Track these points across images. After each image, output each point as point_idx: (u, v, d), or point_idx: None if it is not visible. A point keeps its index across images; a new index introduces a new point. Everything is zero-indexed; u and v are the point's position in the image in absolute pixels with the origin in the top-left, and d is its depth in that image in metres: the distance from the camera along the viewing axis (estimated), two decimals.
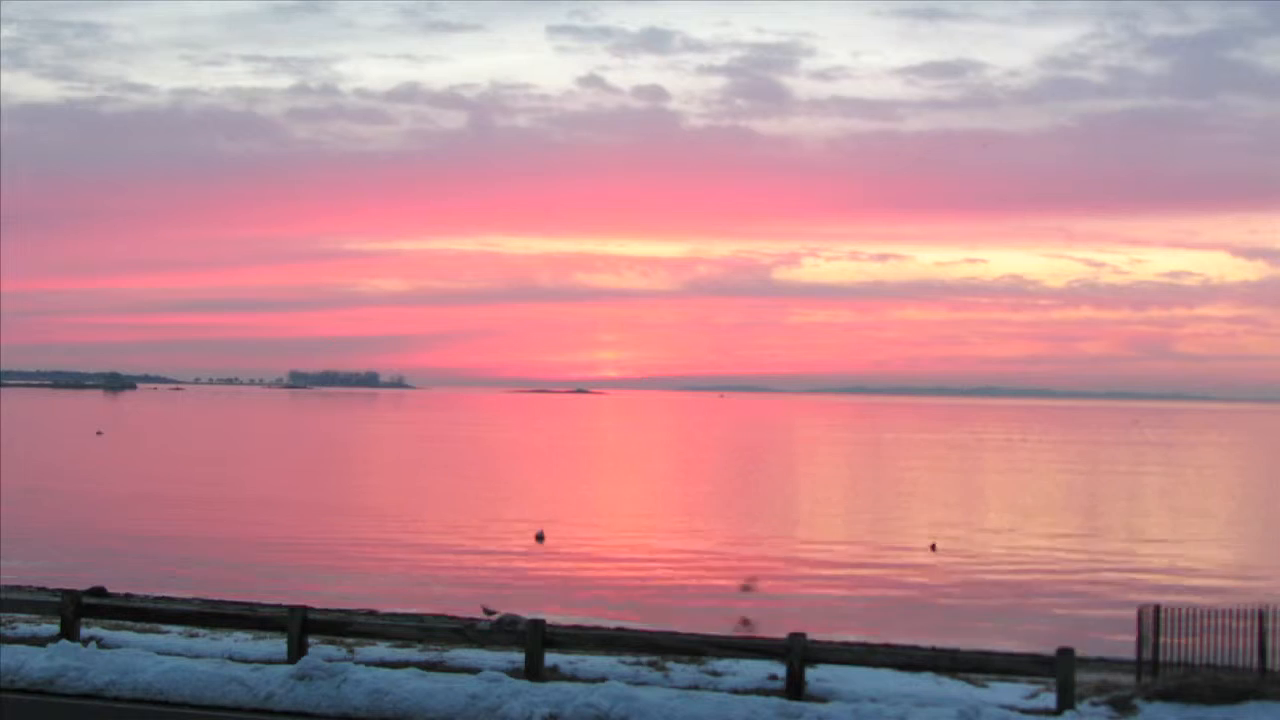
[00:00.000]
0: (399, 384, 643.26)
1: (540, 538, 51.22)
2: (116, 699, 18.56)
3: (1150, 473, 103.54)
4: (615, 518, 60.92)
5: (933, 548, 50.43)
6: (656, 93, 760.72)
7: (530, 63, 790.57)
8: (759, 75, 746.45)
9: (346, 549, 48.10)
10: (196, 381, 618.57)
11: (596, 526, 56.96)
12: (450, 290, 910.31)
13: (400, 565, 44.39)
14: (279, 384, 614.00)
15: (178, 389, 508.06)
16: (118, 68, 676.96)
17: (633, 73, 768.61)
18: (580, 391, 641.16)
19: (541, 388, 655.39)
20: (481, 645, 22.01)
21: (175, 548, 47.57)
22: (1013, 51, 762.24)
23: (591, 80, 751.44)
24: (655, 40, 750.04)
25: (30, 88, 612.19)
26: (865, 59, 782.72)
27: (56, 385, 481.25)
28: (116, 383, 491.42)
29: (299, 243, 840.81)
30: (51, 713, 17.89)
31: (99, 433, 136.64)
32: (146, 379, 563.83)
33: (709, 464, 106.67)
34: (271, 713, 18.01)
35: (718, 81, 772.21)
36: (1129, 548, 53.02)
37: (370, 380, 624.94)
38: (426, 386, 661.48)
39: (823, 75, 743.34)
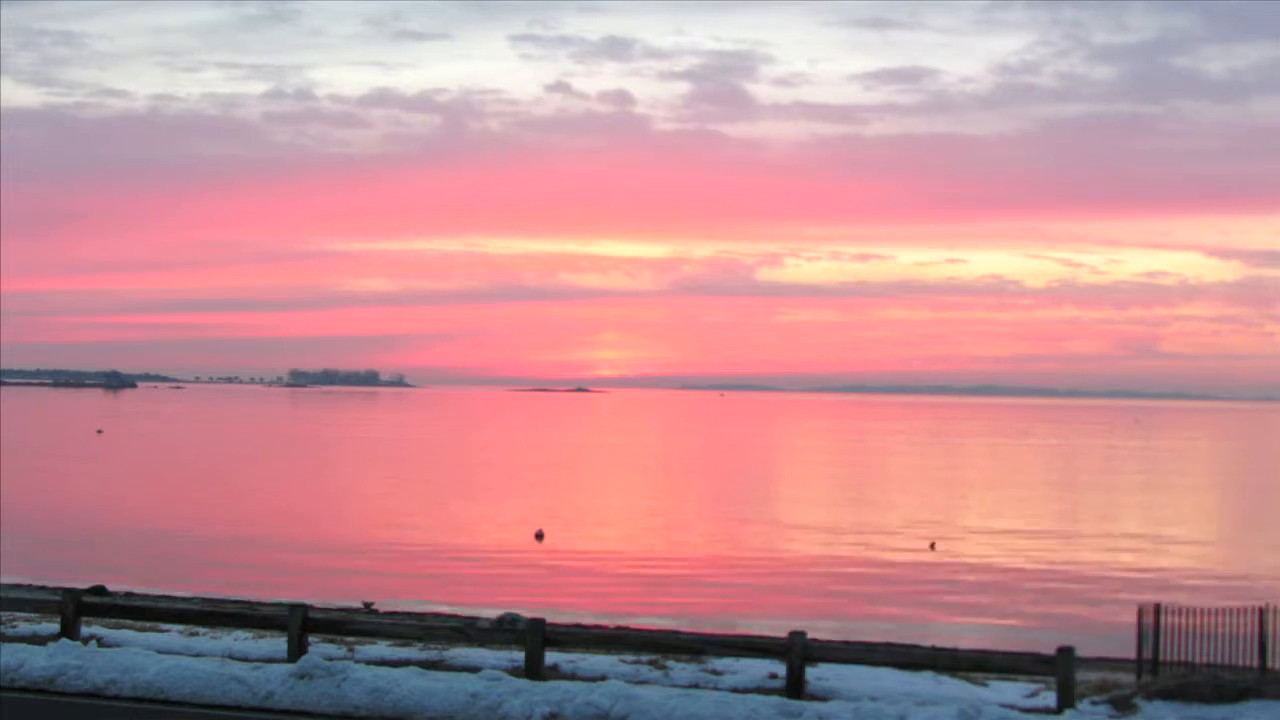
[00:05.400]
0: (399, 383, 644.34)
1: (540, 536, 51.24)
2: (117, 698, 18.55)
3: (1151, 471, 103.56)
4: (616, 516, 60.93)
5: (932, 546, 50.45)
6: (623, 97, 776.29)
7: (497, 70, 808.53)
8: (721, 81, 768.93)
9: (346, 547, 48.10)
10: (197, 380, 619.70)
11: (597, 525, 56.96)
12: (439, 290, 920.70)
13: (400, 564, 44.40)
14: (279, 383, 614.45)
15: (178, 388, 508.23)
16: (95, 74, 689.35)
17: (597, 79, 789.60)
18: (580, 390, 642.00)
19: (541, 386, 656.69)
20: (482, 644, 22.01)
21: (175, 546, 47.60)
22: (964, 59, 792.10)
23: (558, 86, 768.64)
24: (616, 48, 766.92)
25: (11, 94, 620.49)
26: (822, 66, 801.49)
27: (56, 384, 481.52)
28: (116, 381, 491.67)
29: (286, 243, 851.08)
30: (52, 711, 17.89)
31: (99, 431, 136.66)
32: (147, 378, 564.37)
33: (712, 462, 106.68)
34: (272, 711, 18.01)
35: (681, 87, 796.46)
36: (1130, 546, 53.03)
37: (370, 379, 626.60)
38: (426, 385, 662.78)
39: (783, 81, 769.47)
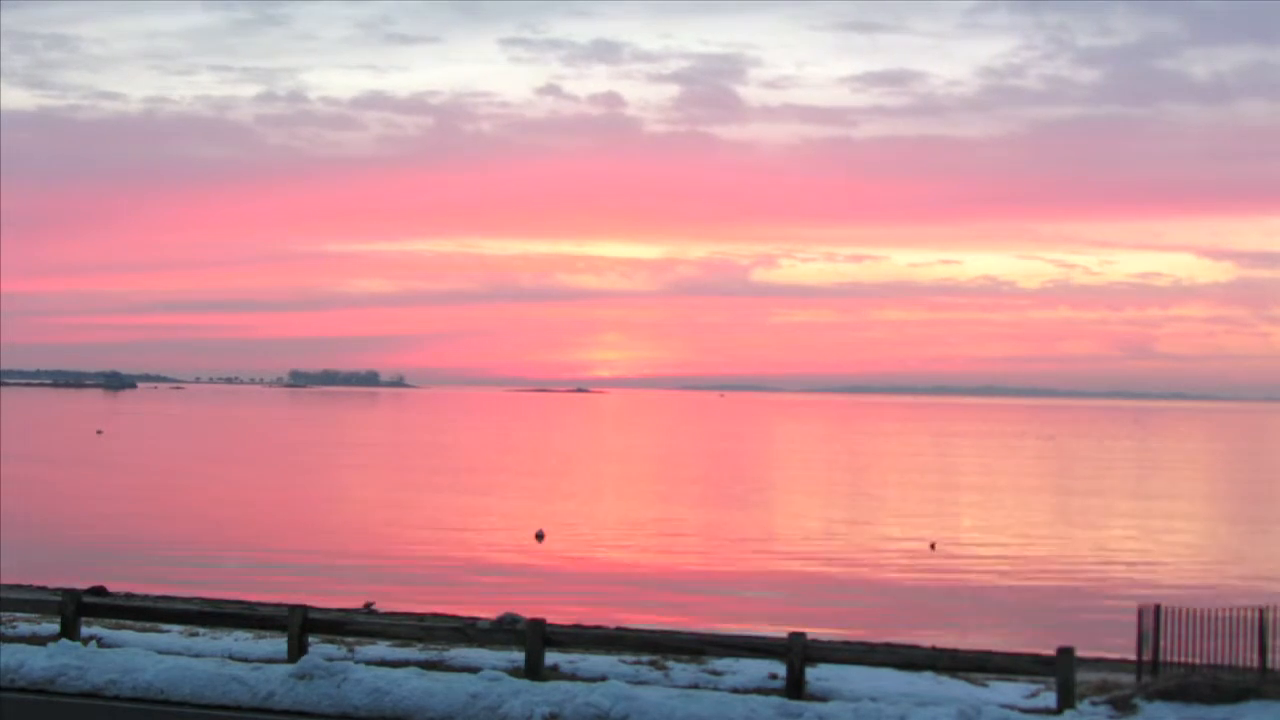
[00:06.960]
0: (399, 383, 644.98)
1: (540, 537, 51.24)
2: (117, 698, 18.55)
3: (1152, 471, 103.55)
4: (616, 517, 60.92)
5: (932, 547, 50.44)
6: (613, 100, 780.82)
7: (488, 73, 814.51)
8: (711, 84, 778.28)
9: (346, 548, 48.10)
10: (197, 380, 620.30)
11: (597, 525, 56.95)
12: (437, 291, 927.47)
13: (400, 564, 44.38)
14: (279, 383, 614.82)
15: (178, 388, 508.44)
16: (89, 77, 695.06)
17: (587, 82, 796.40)
18: (581, 391, 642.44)
19: (541, 387, 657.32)
20: (482, 644, 22.02)
21: (175, 547, 47.58)
22: (950, 62, 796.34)
23: (549, 89, 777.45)
24: (605, 51, 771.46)
25: (6, 96, 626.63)
26: (810, 69, 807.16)
27: (56, 384, 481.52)
28: (116, 382, 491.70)
29: (285, 243, 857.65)
30: (52, 712, 17.89)
31: (99, 432, 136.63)
32: (146, 378, 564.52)
33: (714, 463, 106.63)
34: (272, 711, 18.01)
35: (671, 90, 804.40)
36: (1130, 547, 53.04)
37: (370, 379, 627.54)
38: (425, 386, 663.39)
39: (772, 84, 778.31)
